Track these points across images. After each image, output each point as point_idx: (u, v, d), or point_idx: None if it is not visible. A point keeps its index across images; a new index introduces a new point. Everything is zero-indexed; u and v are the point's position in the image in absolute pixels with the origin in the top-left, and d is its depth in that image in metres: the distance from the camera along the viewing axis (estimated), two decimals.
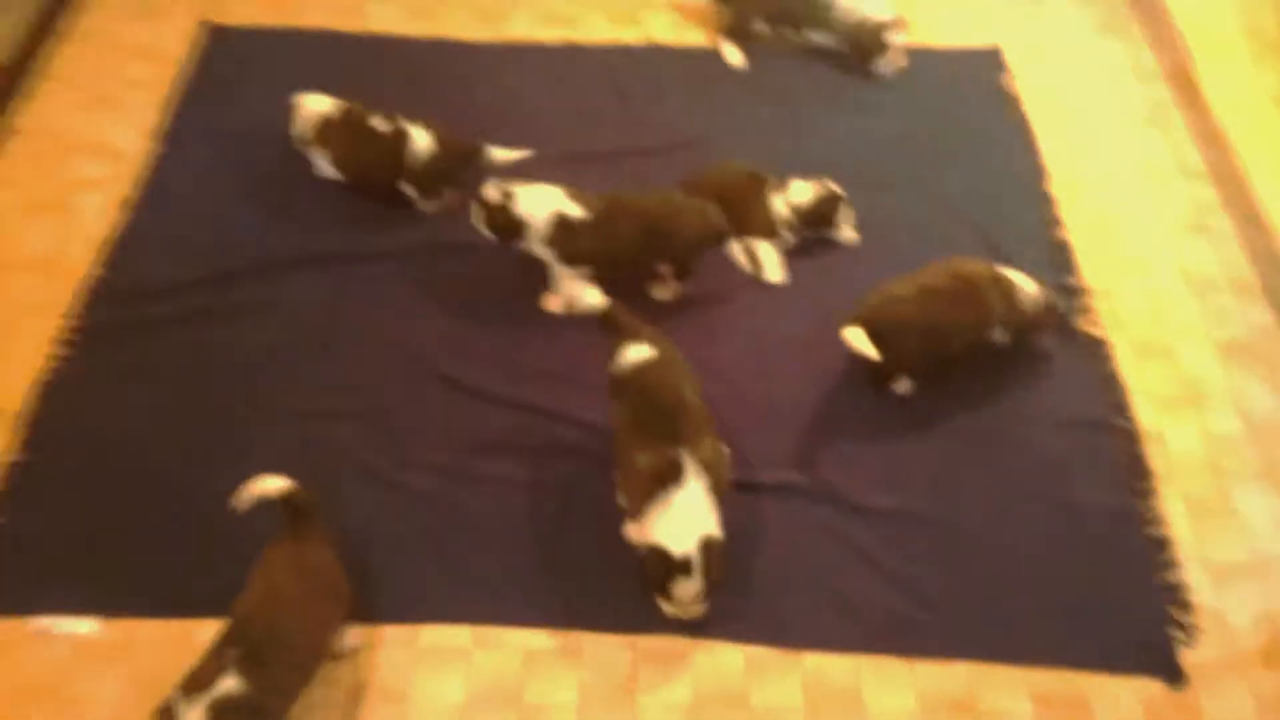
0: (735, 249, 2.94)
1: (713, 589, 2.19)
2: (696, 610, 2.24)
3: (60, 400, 2.64)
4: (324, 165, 3.05)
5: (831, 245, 2.98)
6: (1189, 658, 2.27)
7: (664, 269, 2.82)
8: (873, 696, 2.22)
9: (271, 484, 2.10)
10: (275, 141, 3.18)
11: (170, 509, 2.45)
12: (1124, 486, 2.52)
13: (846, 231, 2.97)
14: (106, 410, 2.63)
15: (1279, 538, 2.45)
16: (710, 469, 2.23)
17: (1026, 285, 2.65)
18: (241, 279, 2.89)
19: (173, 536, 2.40)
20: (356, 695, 2.21)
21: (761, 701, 2.21)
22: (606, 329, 2.47)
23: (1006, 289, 2.62)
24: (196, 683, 1.93)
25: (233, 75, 3.43)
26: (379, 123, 2.96)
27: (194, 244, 2.97)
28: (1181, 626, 2.31)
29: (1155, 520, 2.46)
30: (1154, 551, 2.41)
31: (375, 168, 2.98)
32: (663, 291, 2.86)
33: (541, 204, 2.71)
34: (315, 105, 3.04)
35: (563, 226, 2.70)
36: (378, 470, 2.52)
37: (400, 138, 2.92)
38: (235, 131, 3.25)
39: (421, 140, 2.92)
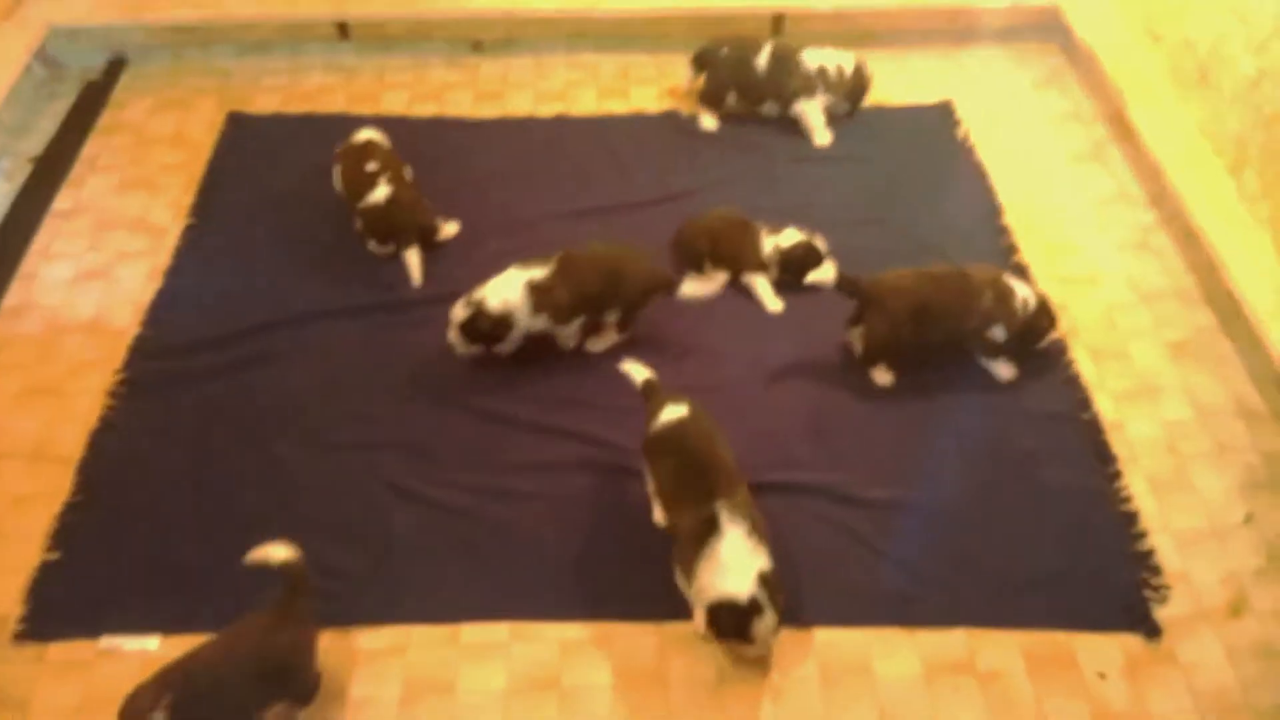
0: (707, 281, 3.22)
1: (782, 619, 2.32)
2: (769, 645, 2.37)
3: (110, 445, 2.87)
4: (335, 178, 3.46)
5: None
6: (1162, 614, 2.50)
7: (608, 319, 3.04)
8: (880, 664, 2.43)
9: (277, 551, 2.24)
10: (298, 211, 3.51)
11: (218, 535, 2.65)
12: (1092, 470, 2.78)
13: (819, 277, 3.08)
14: (154, 451, 2.85)
15: (1233, 508, 2.71)
16: (747, 513, 2.37)
17: (1024, 292, 2.94)
18: (273, 331, 3.14)
19: (222, 559, 2.54)
20: (407, 688, 2.40)
21: (780, 674, 2.41)
22: (647, 396, 2.65)
23: (1003, 291, 2.91)
24: (130, 714, 2.06)
25: (256, 156, 3.75)
26: (370, 164, 3.34)
27: (226, 303, 3.23)
28: (1154, 587, 2.54)
29: (1122, 498, 2.72)
30: (1124, 524, 2.67)
31: (350, 194, 3.37)
32: (599, 343, 3.07)
33: (509, 286, 2.90)
34: (362, 133, 3.48)
35: (537, 290, 2.90)
36: (417, 491, 2.75)
37: (370, 181, 3.30)
38: (259, 204, 3.56)
39: (379, 192, 3.28)
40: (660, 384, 2.68)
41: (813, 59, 3.79)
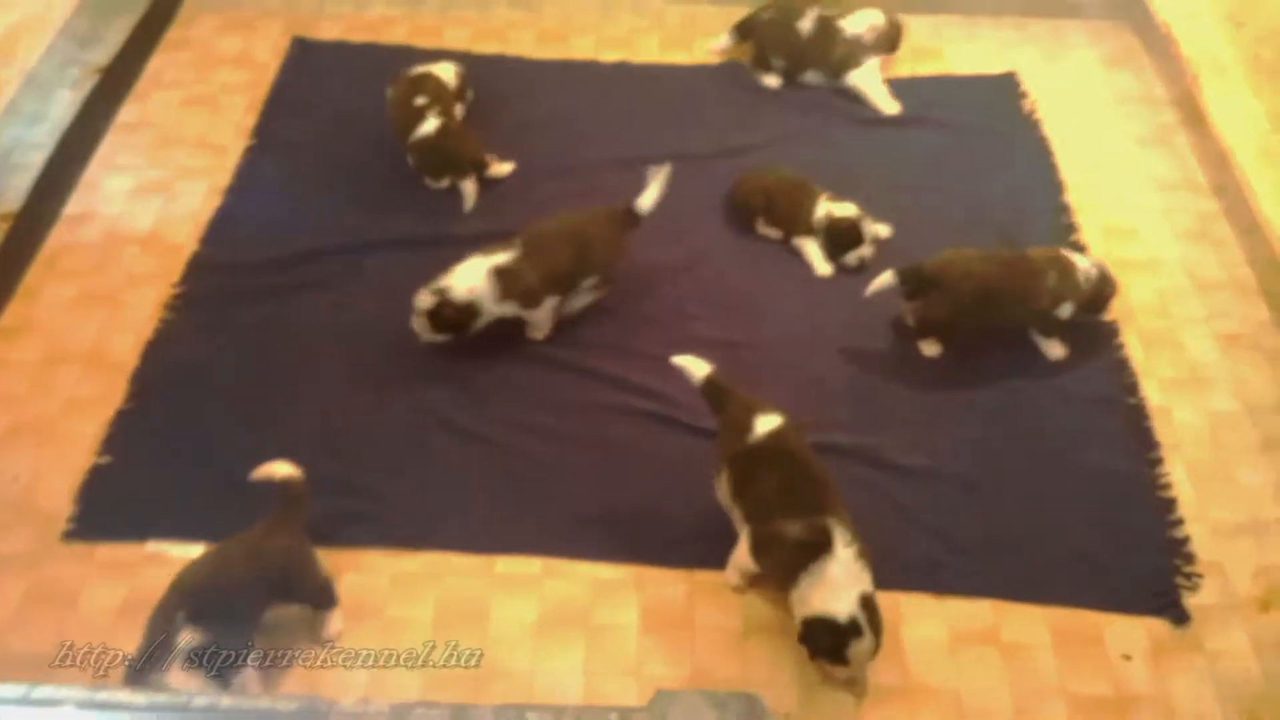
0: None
1: (879, 644, 2.25)
2: (864, 670, 2.30)
3: (164, 356, 2.93)
4: (388, 104, 3.48)
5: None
6: (1192, 602, 2.50)
7: (584, 286, 2.98)
8: (907, 627, 2.45)
9: (280, 468, 2.37)
10: (358, 139, 3.53)
11: (263, 450, 2.62)
12: (1133, 455, 2.77)
13: (880, 284, 2.89)
14: (206, 365, 2.91)
15: (1273, 503, 2.69)
16: (854, 533, 2.29)
17: (1084, 263, 2.92)
18: (327, 257, 3.18)
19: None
20: (441, 613, 2.45)
21: None
22: (709, 396, 2.53)
23: (1065, 267, 2.89)
24: (157, 653, 2.10)
25: (319, 82, 3.77)
26: (419, 99, 3.35)
27: (283, 226, 3.27)
28: (1185, 575, 2.54)
29: (1162, 484, 2.71)
30: (1161, 511, 2.66)
31: (397, 123, 3.40)
32: (578, 301, 3.01)
33: (474, 273, 2.82)
34: (433, 65, 3.49)
35: (504, 276, 2.82)
36: (460, 424, 2.79)
37: (419, 114, 3.31)
38: (320, 130, 3.58)
39: (428, 125, 3.29)
40: (723, 380, 2.52)
41: (853, 24, 3.74)
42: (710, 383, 2.52)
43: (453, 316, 2.82)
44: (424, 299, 2.83)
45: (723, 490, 2.49)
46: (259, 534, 2.33)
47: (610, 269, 3.00)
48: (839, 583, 2.22)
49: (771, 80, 3.82)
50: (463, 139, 3.34)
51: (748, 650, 2.41)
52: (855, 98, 3.75)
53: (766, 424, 2.42)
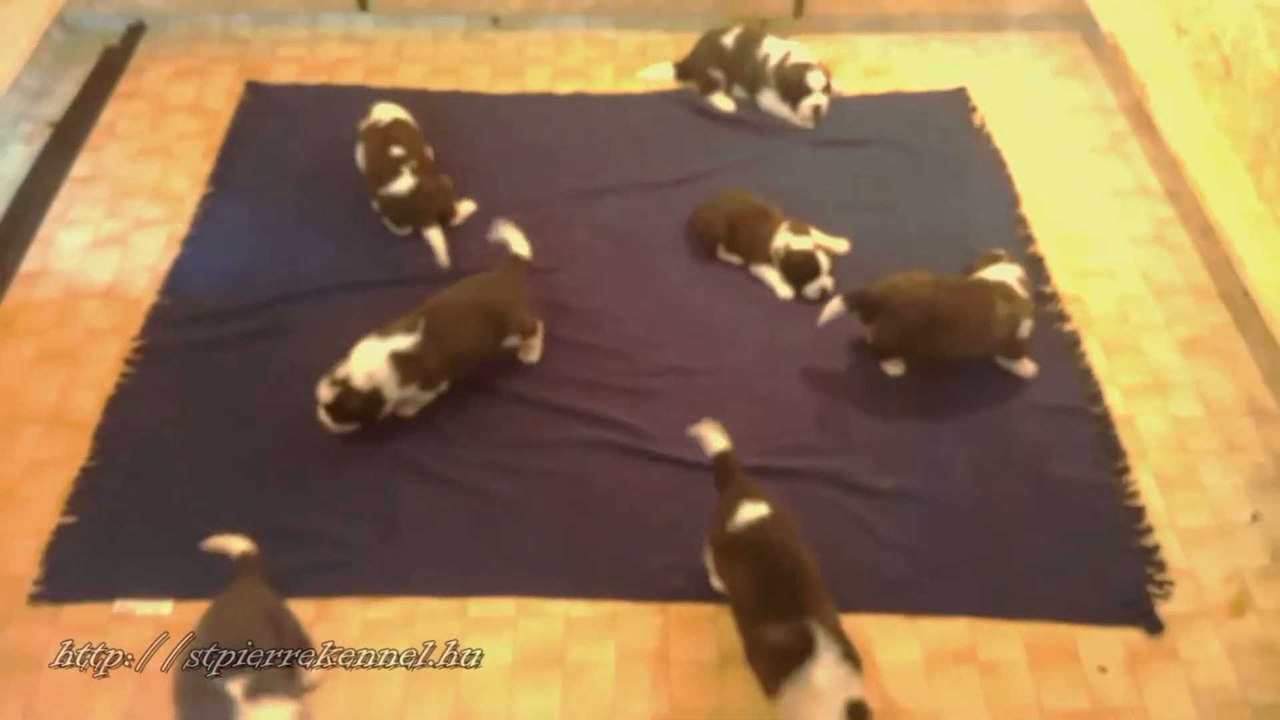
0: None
1: None
2: None
3: (127, 412, 2.90)
4: (359, 157, 3.44)
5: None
6: (1165, 610, 2.51)
7: (511, 343, 2.95)
8: (882, 650, 2.45)
9: (235, 544, 2.41)
10: (315, 181, 3.52)
11: (231, 503, 2.69)
12: (1100, 464, 2.78)
13: (830, 313, 2.90)
14: (170, 419, 2.88)
15: (1240, 506, 2.71)
16: (840, 635, 2.16)
17: (1012, 273, 2.95)
18: (289, 302, 3.16)
19: (235, 528, 2.50)
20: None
21: None
22: (719, 474, 2.42)
23: (1008, 293, 2.88)
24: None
25: (274, 126, 3.75)
26: (395, 149, 3.32)
27: (243, 273, 3.25)
28: (1157, 584, 2.56)
29: (1130, 493, 2.73)
30: (1130, 520, 2.68)
31: (371, 173, 3.36)
32: (530, 354, 3.00)
33: (371, 357, 2.72)
34: (382, 110, 3.45)
35: (403, 361, 2.74)
36: (427, 466, 2.77)
37: (395, 168, 3.27)
38: (277, 175, 3.56)
39: (403, 183, 3.26)
40: (735, 460, 2.42)
41: (767, 45, 3.79)
42: (721, 458, 2.42)
43: (358, 405, 2.73)
44: (324, 391, 2.74)
45: (710, 567, 2.46)
46: (241, 585, 2.33)
47: (527, 323, 2.96)
48: (825, 691, 2.08)
49: (726, 104, 3.84)
50: (432, 197, 3.30)
51: (724, 681, 2.40)
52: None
53: (750, 512, 2.29)
